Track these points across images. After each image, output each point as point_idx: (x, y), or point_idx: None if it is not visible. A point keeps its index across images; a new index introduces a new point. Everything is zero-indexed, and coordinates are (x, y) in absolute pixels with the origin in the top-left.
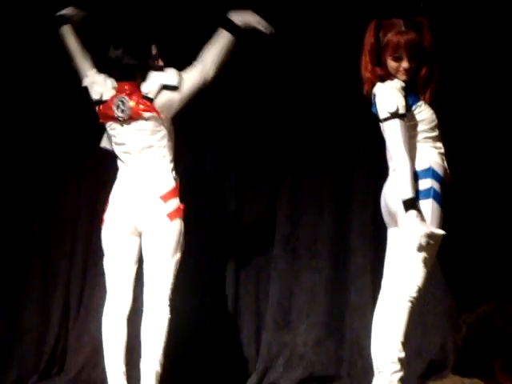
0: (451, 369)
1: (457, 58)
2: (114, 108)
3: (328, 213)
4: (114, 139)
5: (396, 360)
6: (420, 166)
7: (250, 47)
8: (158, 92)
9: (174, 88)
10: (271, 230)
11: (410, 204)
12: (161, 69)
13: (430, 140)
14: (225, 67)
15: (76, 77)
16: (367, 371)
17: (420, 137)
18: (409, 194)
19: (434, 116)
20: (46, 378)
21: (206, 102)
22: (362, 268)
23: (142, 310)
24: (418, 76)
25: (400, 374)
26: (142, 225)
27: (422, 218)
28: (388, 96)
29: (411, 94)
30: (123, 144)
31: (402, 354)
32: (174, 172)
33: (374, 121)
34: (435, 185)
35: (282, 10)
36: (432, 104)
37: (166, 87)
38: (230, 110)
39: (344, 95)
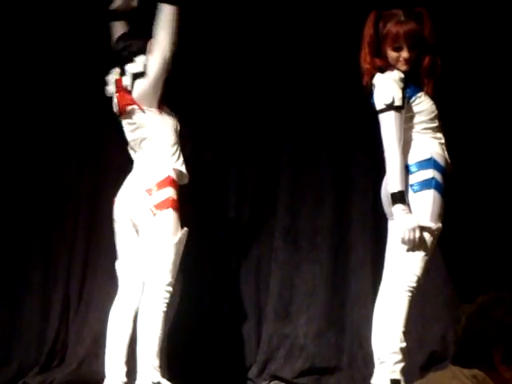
0: (451, 360)
1: (457, 49)
2: (113, 105)
3: (328, 204)
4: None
5: (398, 350)
6: (421, 157)
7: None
8: (133, 83)
9: (141, 74)
10: (271, 221)
11: (398, 197)
12: None
13: (430, 131)
14: (224, 58)
15: (76, 76)
16: (368, 362)
17: (419, 127)
18: (397, 187)
19: (433, 107)
20: (47, 371)
21: (204, 93)
22: (363, 259)
23: None
24: (420, 67)
25: (402, 364)
26: (134, 219)
27: (410, 211)
28: (385, 87)
29: (411, 84)
30: (128, 141)
31: (404, 344)
32: (173, 161)
33: (373, 111)
34: (436, 175)
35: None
36: (434, 95)
37: (135, 76)
38: (229, 100)
39: (344, 86)
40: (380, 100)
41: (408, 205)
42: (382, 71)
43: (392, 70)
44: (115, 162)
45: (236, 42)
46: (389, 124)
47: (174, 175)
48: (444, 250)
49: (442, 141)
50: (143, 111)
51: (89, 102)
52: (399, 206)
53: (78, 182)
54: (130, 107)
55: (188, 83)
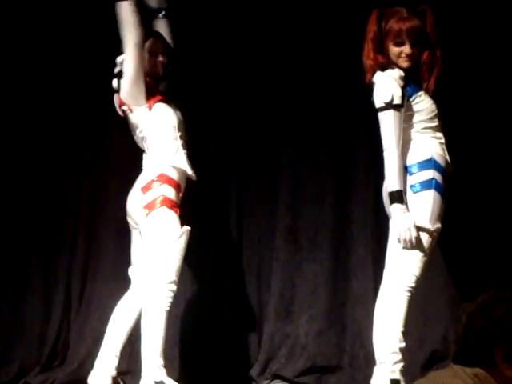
0: (452, 358)
1: (459, 48)
2: None
3: (329, 204)
4: None
5: (397, 350)
6: (421, 157)
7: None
8: (118, 84)
9: (120, 74)
10: (272, 221)
11: (396, 197)
12: None
13: (430, 130)
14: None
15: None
16: (369, 362)
17: (419, 127)
18: (395, 186)
19: (433, 106)
20: (48, 370)
21: (205, 93)
22: (364, 259)
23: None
24: (420, 62)
25: (401, 364)
26: (134, 219)
27: (407, 211)
28: (384, 86)
29: (411, 83)
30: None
31: (403, 344)
32: (169, 158)
33: (374, 110)
34: (437, 175)
35: None
36: (434, 94)
37: (117, 76)
38: (229, 100)
39: (344, 85)
40: (379, 98)
41: (406, 204)
42: (384, 69)
43: (393, 67)
44: (116, 163)
45: (236, 42)
46: (388, 123)
47: (169, 172)
48: (445, 249)
49: (442, 140)
50: (131, 111)
51: (90, 103)
52: (397, 206)
53: (79, 182)
54: (123, 108)
55: (188, 82)
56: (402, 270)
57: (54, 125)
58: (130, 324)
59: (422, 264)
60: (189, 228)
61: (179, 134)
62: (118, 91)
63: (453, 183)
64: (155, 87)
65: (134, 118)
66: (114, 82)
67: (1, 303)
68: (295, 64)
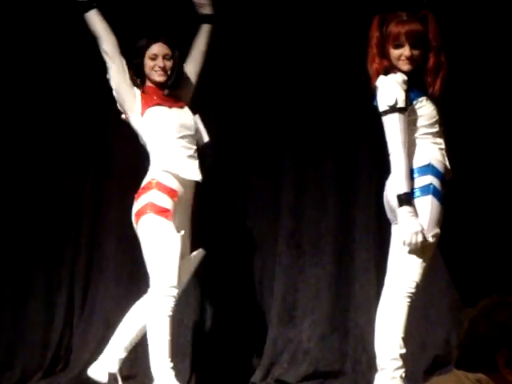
0: (454, 364)
1: (460, 53)
2: None
3: (332, 208)
4: None
5: (397, 356)
6: (419, 163)
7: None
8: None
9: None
10: (275, 225)
11: (404, 199)
12: None
13: (430, 136)
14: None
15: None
16: (372, 367)
17: (419, 132)
18: (403, 188)
19: (434, 112)
20: (51, 375)
21: (209, 96)
22: (366, 263)
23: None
24: (424, 69)
25: (402, 370)
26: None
27: (416, 215)
28: (388, 89)
29: (414, 88)
30: None
31: (404, 351)
32: (161, 163)
33: (377, 114)
34: (435, 181)
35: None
36: (438, 99)
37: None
38: (232, 104)
39: (348, 89)
40: (383, 102)
41: (414, 207)
42: (386, 73)
43: (395, 72)
44: (119, 169)
45: (241, 46)
46: (393, 126)
47: (160, 177)
48: (447, 254)
49: (442, 146)
50: (128, 118)
51: (91, 105)
52: (405, 208)
53: (82, 185)
54: (121, 116)
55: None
56: (402, 276)
57: (56, 131)
58: (140, 326)
59: (422, 270)
60: (181, 234)
61: (180, 135)
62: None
63: (454, 188)
64: (156, 92)
65: (132, 125)
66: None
67: (3, 308)
68: (299, 68)
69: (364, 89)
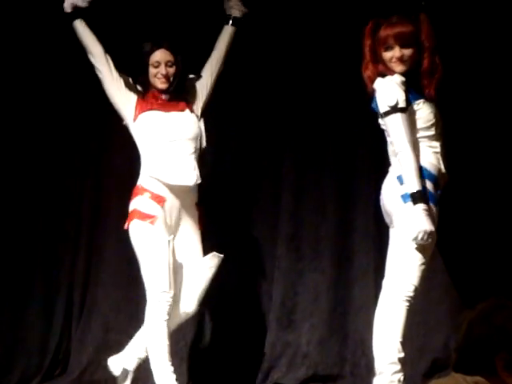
0: (453, 367)
1: (458, 55)
2: None
3: (331, 212)
4: None
5: (396, 360)
6: None
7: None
8: None
9: None
10: (274, 229)
11: (418, 197)
12: None
13: (426, 139)
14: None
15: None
16: (370, 370)
17: (416, 135)
18: (416, 186)
19: (431, 115)
20: (50, 379)
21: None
22: (365, 267)
23: None
24: (420, 69)
25: (400, 374)
26: None
27: (429, 214)
28: (387, 90)
29: (412, 91)
30: None
31: (402, 354)
32: (148, 169)
33: (375, 118)
34: (427, 184)
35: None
36: (435, 101)
37: None
38: (232, 108)
39: (347, 94)
40: (384, 103)
41: (429, 205)
42: (383, 76)
43: (392, 74)
44: (118, 171)
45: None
46: (397, 126)
47: (146, 183)
48: (446, 258)
49: (437, 150)
50: (127, 125)
51: (91, 105)
52: (420, 206)
53: (81, 190)
54: (123, 123)
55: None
56: (400, 279)
57: (55, 133)
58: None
59: (421, 273)
60: (169, 238)
61: (173, 139)
62: None
63: (454, 192)
64: (155, 97)
65: (130, 132)
66: None
67: (2, 311)
68: (299, 70)
69: (363, 93)
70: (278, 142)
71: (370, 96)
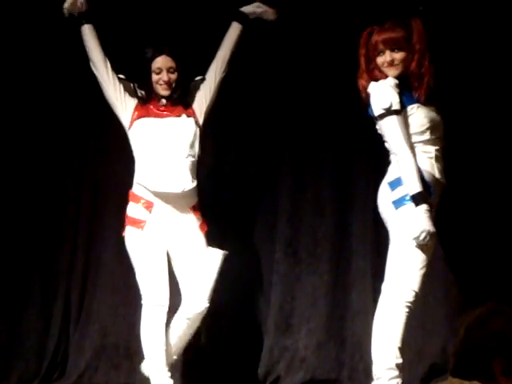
0: (450, 372)
1: (456, 59)
2: None
3: (329, 216)
4: None
5: (393, 366)
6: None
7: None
8: None
9: None
10: (272, 233)
11: (419, 198)
12: None
13: (421, 144)
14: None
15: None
16: (368, 375)
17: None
18: (416, 188)
19: (425, 120)
20: (47, 383)
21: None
22: (363, 271)
23: None
24: (409, 72)
25: (397, 380)
26: None
27: (431, 216)
28: (381, 93)
29: (406, 94)
30: None
31: (400, 360)
32: (138, 175)
33: (373, 122)
34: None
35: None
36: (433, 104)
37: None
38: (230, 111)
39: (345, 97)
40: (378, 106)
41: (432, 205)
42: (377, 81)
43: (385, 78)
44: (116, 174)
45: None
46: (392, 128)
47: (136, 190)
48: (443, 262)
49: (432, 155)
50: (126, 131)
51: (90, 106)
52: (423, 207)
53: (78, 194)
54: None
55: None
56: (400, 285)
57: (54, 135)
58: (180, 332)
59: (421, 277)
60: (156, 243)
61: (165, 146)
62: None
63: (451, 196)
64: (153, 102)
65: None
66: None
67: (0, 315)
68: (298, 74)
69: (360, 98)
70: (276, 145)
71: (365, 104)
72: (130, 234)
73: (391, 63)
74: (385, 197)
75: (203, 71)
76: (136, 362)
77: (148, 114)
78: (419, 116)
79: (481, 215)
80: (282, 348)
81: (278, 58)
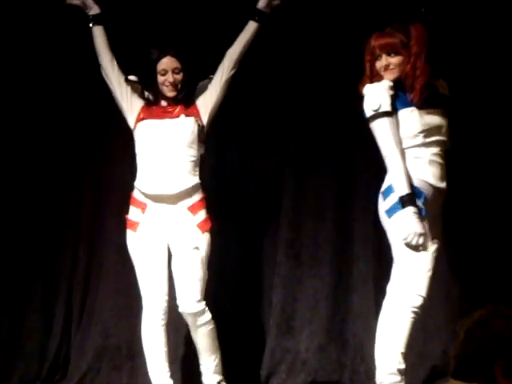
0: (451, 374)
1: (458, 62)
2: None
3: (330, 219)
4: None
5: (395, 371)
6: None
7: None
8: None
9: None
10: (274, 236)
11: (407, 200)
12: None
13: (414, 148)
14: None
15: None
16: (370, 377)
17: (403, 144)
18: (404, 190)
19: (417, 124)
20: None
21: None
22: (365, 274)
23: None
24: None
25: None
26: None
27: (420, 217)
28: (372, 94)
29: (402, 97)
30: None
31: (403, 366)
32: (137, 178)
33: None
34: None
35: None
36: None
37: None
38: (232, 113)
39: (347, 99)
40: (368, 107)
41: (419, 208)
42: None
43: (381, 80)
44: (118, 176)
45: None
46: (381, 130)
47: (134, 192)
48: (445, 264)
49: (425, 159)
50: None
51: (92, 110)
52: (410, 209)
53: (80, 196)
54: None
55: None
56: (408, 290)
57: (55, 139)
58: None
59: (427, 281)
60: (154, 244)
61: (163, 147)
62: None
63: (453, 198)
64: (157, 104)
65: None
66: None
67: (1, 317)
68: (300, 76)
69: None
70: (277, 149)
71: (361, 108)
72: (127, 237)
73: (387, 67)
74: (380, 207)
75: (209, 71)
76: (138, 364)
77: (151, 116)
78: (412, 120)
79: (480, 218)
80: (284, 350)
81: (282, 58)
